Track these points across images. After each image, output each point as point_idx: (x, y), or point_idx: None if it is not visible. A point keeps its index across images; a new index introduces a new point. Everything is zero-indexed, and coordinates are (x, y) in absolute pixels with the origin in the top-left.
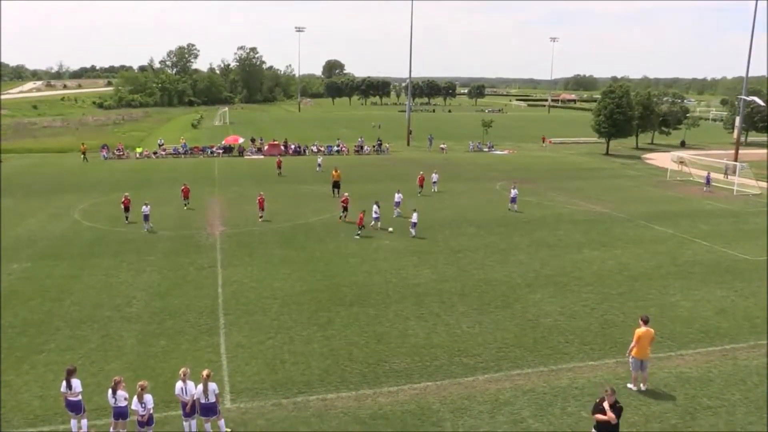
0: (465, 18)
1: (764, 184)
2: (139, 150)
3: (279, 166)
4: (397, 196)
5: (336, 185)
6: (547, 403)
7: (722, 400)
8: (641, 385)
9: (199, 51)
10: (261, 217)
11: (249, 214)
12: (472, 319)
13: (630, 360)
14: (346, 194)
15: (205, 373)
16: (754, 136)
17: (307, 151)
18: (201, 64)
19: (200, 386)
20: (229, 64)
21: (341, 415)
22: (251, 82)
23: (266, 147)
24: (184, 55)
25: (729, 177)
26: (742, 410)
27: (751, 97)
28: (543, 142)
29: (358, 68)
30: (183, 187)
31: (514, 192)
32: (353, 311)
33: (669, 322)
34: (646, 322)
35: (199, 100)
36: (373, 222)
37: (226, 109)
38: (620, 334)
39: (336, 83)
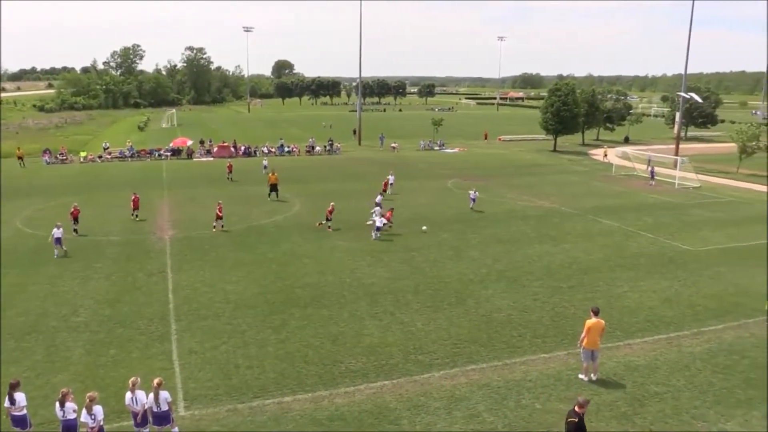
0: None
1: (705, 177)
2: (83, 154)
3: (230, 171)
4: (378, 198)
5: (273, 188)
6: (502, 397)
7: (668, 386)
8: (592, 375)
9: (144, 52)
10: (218, 226)
11: (199, 218)
12: (426, 317)
13: (581, 351)
14: (332, 204)
15: (155, 381)
16: (693, 131)
17: (257, 153)
18: (147, 65)
19: (151, 395)
20: (176, 65)
21: (298, 418)
22: (199, 83)
23: (215, 149)
24: (129, 56)
25: (650, 168)
26: (687, 395)
27: (689, 94)
28: (485, 138)
29: (308, 68)
30: (133, 197)
31: (473, 194)
32: (308, 313)
33: (617, 313)
34: (596, 313)
35: (145, 101)
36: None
37: (174, 110)
38: (571, 326)
39: (286, 83)
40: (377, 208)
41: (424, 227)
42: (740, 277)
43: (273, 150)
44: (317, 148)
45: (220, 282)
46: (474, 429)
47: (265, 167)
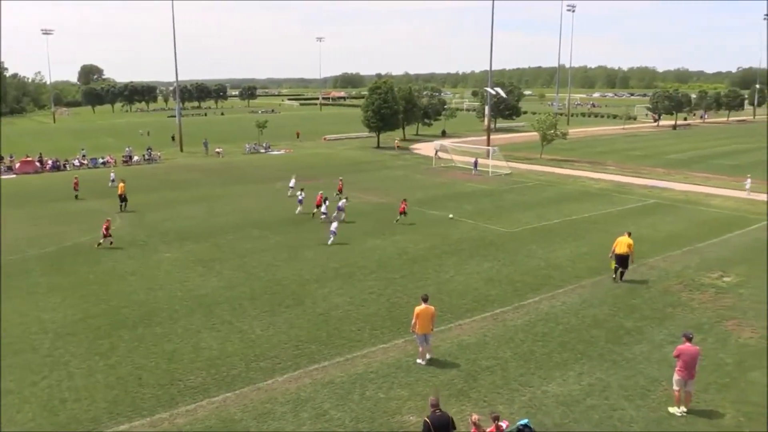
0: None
1: (514, 164)
2: None
3: (76, 188)
4: (342, 202)
5: (122, 198)
6: (347, 392)
7: (497, 359)
8: (427, 356)
9: None
10: (103, 243)
11: (6, 242)
12: (265, 322)
13: (415, 336)
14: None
15: None
16: (501, 123)
17: (67, 166)
18: None
19: None
20: None
21: None
22: None
23: (18, 165)
24: None
25: (439, 155)
26: (513, 365)
27: (495, 89)
28: (297, 137)
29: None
30: None
31: (342, 203)
32: (138, 333)
33: (447, 297)
34: (425, 300)
35: None
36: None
37: None
38: (406, 315)
39: (95, 90)
40: (342, 212)
41: (450, 215)
42: (549, 253)
43: (84, 162)
44: (135, 157)
45: (34, 310)
46: (322, 428)
47: (113, 180)
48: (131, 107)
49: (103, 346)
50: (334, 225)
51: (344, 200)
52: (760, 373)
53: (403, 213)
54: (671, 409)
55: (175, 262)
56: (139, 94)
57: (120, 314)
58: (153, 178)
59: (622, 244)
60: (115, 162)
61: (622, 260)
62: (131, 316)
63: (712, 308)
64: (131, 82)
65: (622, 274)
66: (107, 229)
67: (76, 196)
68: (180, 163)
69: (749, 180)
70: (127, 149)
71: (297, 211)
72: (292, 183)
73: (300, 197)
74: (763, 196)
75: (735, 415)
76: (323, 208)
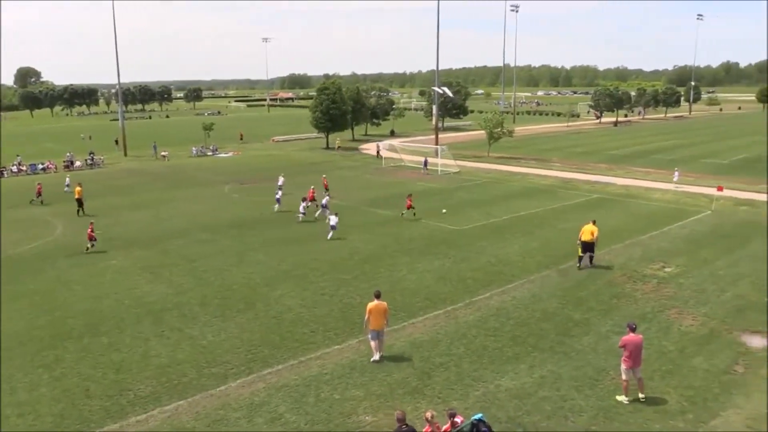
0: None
1: (463, 163)
2: None
3: (39, 194)
4: (325, 200)
5: (80, 203)
6: (302, 395)
7: (450, 356)
8: (379, 353)
9: None
10: (91, 248)
11: None
12: (216, 328)
13: (369, 335)
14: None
15: None
16: (449, 122)
17: (5, 173)
18: None
19: None
20: None
21: None
22: None
23: None
24: None
25: (380, 154)
26: (467, 360)
27: (442, 89)
28: (241, 138)
29: (58, 75)
30: None
31: (334, 220)
32: (84, 343)
33: (399, 296)
34: (377, 296)
35: None
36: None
37: None
38: (359, 315)
39: (33, 93)
40: (326, 209)
41: (444, 210)
42: (499, 249)
43: (24, 168)
44: (77, 162)
45: None
46: (277, 431)
47: (68, 185)
48: (71, 111)
49: (47, 358)
50: (334, 219)
51: (327, 197)
52: (701, 359)
53: (410, 208)
54: (619, 398)
55: (121, 269)
56: (80, 97)
57: (65, 325)
58: (96, 184)
59: (587, 231)
60: (56, 167)
61: (588, 246)
62: (77, 326)
63: (654, 298)
64: (71, 84)
65: (591, 258)
66: (92, 231)
67: (41, 202)
68: (124, 167)
69: (677, 172)
70: (68, 154)
71: (275, 209)
72: (280, 182)
73: (278, 195)
74: (691, 188)
75: (679, 399)
76: (301, 208)
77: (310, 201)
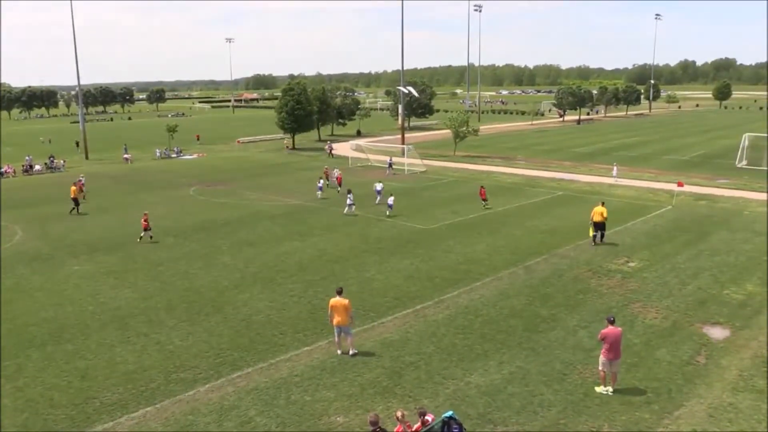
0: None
1: (429, 162)
2: None
3: None
4: (379, 186)
5: (75, 202)
6: (272, 397)
7: (420, 354)
8: (340, 350)
9: None
10: (145, 237)
11: None
12: (183, 332)
13: (335, 331)
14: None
15: None
16: (415, 121)
17: None
18: None
19: None
20: None
21: None
22: None
23: None
24: None
25: (332, 153)
26: (437, 359)
27: (408, 88)
28: (197, 139)
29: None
30: None
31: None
32: (47, 352)
33: (368, 296)
34: (339, 292)
35: None
36: (347, 209)
37: None
38: (327, 316)
39: None
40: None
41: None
42: (466, 247)
43: None
44: (36, 166)
45: None
46: None
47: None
48: (30, 113)
49: (9, 368)
50: (350, 198)
51: (380, 184)
52: (665, 351)
53: (485, 199)
54: (598, 389)
55: (84, 274)
56: (39, 99)
57: (27, 333)
58: (57, 188)
59: (597, 213)
60: (15, 172)
61: (599, 225)
62: (39, 334)
63: (619, 293)
64: (29, 86)
65: (602, 236)
66: (146, 221)
67: None
68: (86, 170)
69: (616, 167)
70: (27, 158)
71: (318, 196)
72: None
73: (320, 184)
74: (653, 184)
75: (644, 391)
76: (320, 184)
77: (339, 185)
